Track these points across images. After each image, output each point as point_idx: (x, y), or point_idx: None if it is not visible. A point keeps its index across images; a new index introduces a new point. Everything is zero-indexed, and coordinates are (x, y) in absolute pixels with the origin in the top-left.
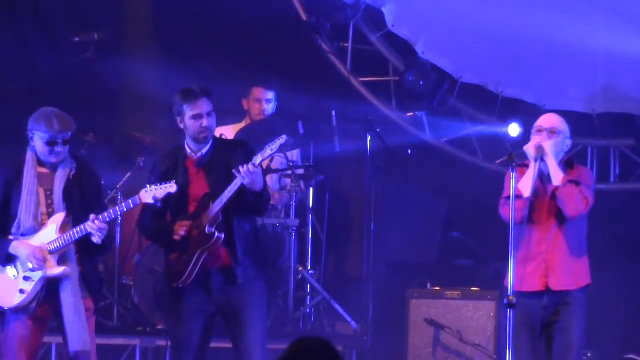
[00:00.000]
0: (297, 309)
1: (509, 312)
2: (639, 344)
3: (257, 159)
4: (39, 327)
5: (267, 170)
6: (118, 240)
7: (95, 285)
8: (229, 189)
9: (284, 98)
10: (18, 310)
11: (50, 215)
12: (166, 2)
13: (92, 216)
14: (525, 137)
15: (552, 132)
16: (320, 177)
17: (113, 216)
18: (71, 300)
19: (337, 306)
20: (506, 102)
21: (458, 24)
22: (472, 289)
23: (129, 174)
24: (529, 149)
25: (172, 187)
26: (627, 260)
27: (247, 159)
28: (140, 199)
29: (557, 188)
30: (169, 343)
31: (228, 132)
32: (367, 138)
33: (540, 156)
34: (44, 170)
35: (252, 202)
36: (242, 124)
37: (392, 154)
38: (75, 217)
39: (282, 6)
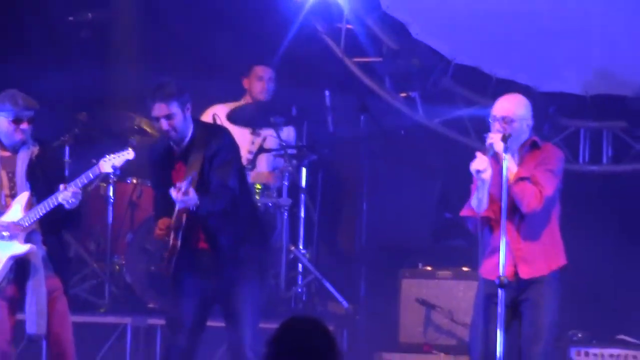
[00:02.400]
0: (288, 289)
1: (500, 293)
2: (630, 325)
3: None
4: (10, 307)
5: (260, 150)
6: (110, 219)
7: (62, 264)
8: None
9: (278, 78)
10: None
11: (13, 197)
12: None
13: (61, 186)
14: None
15: (506, 121)
16: (313, 157)
17: (80, 185)
18: (30, 283)
19: (328, 286)
20: (500, 84)
21: (452, 5)
22: (464, 269)
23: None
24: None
25: (129, 154)
26: (620, 241)
27: (218, 153)
28: (99, 169)
29: (510, 185)
30: (165, 322)
31: (222, 110)
32: (360, 119)
33: (492, 153)
34: (6, 154)
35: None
36: (241, 102)
37: (386, 134)
38: (39, 197)
39: None
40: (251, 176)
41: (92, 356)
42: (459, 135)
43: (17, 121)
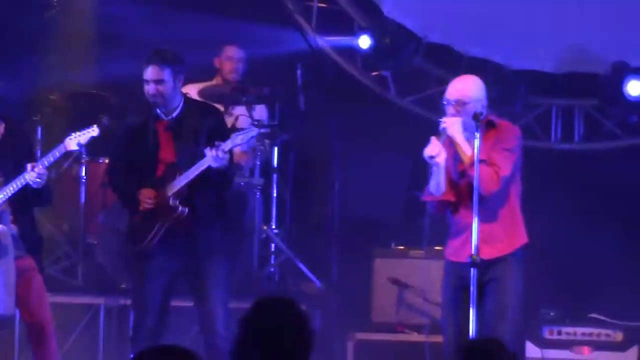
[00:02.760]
0: (261, 268)
1: (472, 271)
2: (603, 303)
3: (227, 145)
4: None
5: (232, 130)
6: (82, 199)
7: (34, 243)
8: (196, 166)
9: (249, 55)
10: None
11: None
12: None
13: (28, 166)
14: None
15: (459, 104)
16: (285, 137)
17: (46, 164)
18: (4, 263)
19: (301, 265)
20: (472, 62)
21: None
22: (436, 248)
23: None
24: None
25: (94, 131)
26: (591, 219)
27: (216, 131)
28: (65, 147)
29: (465, 169)
30: (130, 302)
31: (193, 90)
32: (333, 97)
33: (445, 138)
34: None
35: (216, 179)
36: (213, 82)
37: (357, 112)
38: (7, 176)
39: None
40: None
41: (66, 336)
42: (430, 113)
43: None
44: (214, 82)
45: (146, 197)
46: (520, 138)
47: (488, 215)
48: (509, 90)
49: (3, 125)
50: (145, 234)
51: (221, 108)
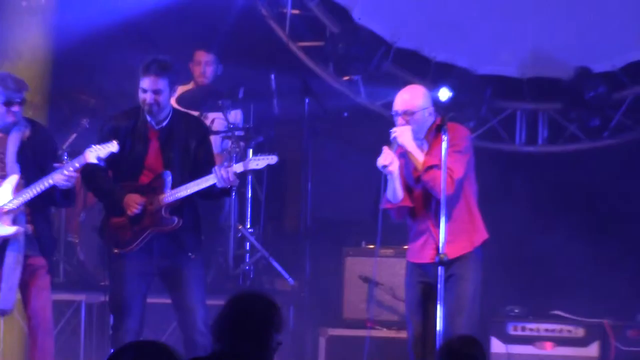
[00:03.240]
0: (236, 266)
1: (440, 269)
2: (566, 300)
3: (239, 168)
4: None
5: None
6: None
7: (47, 243)
8: (199, 182)
9: (225, 61)
10: None
11: (3, 178)
12: None
13: (56, 165)
14: (454, 101)
15: (407, 114)
16: (260, 139)
17: (72, 170)
18: (9, 261)
19: (275, 263)
20: (439, 67)
21: None
22: (404, 247)
23: (74, 135)
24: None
25: (113, 146)
26: (555, 219)
27: (202, 142)
28: (85, 158)
29: (420, 175)
30: (108, 302)
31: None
32: (305, 101)
33: (397, 147)
34: None
35: (216, 194)
36: (187, 86)
37: (329, 116)
38: (29, 179)
39: None
40: None
41: None
42: None
43: (8, 104)
44: (189, 85)
45: (134, 203)
46: (469, 138)
47: (447, 217)
48: (475, 95)
49: (29, 129)
50: (132, 239)
51: (197, 113)
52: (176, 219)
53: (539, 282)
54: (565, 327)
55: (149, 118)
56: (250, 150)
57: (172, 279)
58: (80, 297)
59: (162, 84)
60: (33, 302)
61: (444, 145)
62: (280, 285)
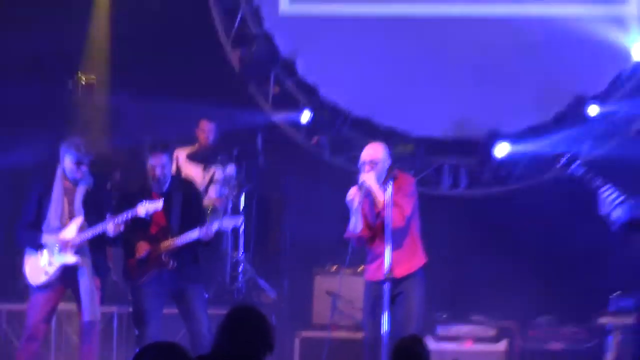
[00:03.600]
0: (232, 284)
1: (386, 285)
2: (482, 308)
3: (215, 227)
4: (55, 299)
5: (210, 182)
6: None
7: (102, 270)
8: (187, 235)
9: (222, 127)
10: (41, 286)
11: (71, 218)
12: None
13: (109, 217)
14: (398, 156)
15: (372, 163)
16: (250, 186)
17: (121, 221)
18: (87, 283)
19: (261, 281)
20: (385, 130)
21: (348, 72)
22: (361, 268)
23: (111, 183)
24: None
25: (159, 204)
26: (473, 246)
27: (195, 202)
28: (136, 212)
29: (380, 211)
30: (132, 318)
31: (182, 152)
32: (284, 156)
33: (365, 189)
34: (69, 185)
35: (202, 244)
36: (194, 147)
37: (302, 168)
38: (90, 221)
39: (220, 61)
40: (204, 201)
41: None
42: (356, 168)
43: (78, 163)
44: (196, 146)
45: (142, 249)
46: (415, 185)
47: (397, 244)
48: (413, 151)
49: (92, 182)
50: (140, 275)
51: (202, 166)
52: (171, 262)
53: (461, 295)
54: (481, 328)
55: (153, 185)
56: (243, 195)
57: (180, 299)
58: (113, 309)
59: (167, 159)
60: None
61: (389, 190)
62: (264, 299)
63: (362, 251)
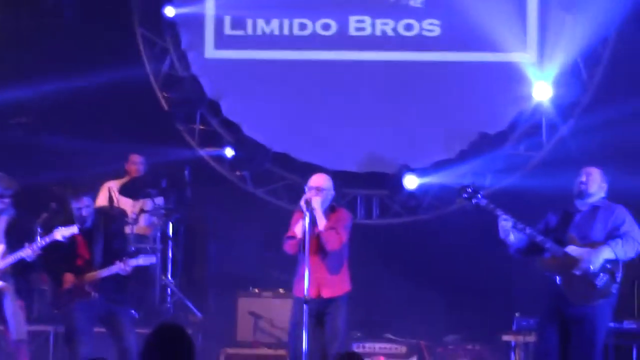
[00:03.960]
0: (161, 305)
1: (305, 307)
2: (393, 327)
3: (132, 263)
4: None
5: (141, 212)
6: None
7: (24, 292)
8: (108, 270)
9: (152, 161)
10: None
11: None
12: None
13: (27, 245)
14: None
15: (318, 189)
16: (177, 215)
17: (39, 246)
18: (10, 305)
19: (188, 303)
20: (303, 165)
21: (269, 111)
22: (280, 290)
23: (45, 214)
24: (302, 202)
25: (74, 229)
26: (385, 272)
27: (117, 234)
28: (54, 236)
29: (320, 232)
30: (65, 339)
31: (115, 184)
32: (209, 188)
33: (310, 208)
34: None
35: (121, 276)
36: (125, 179)
37: (227, 199)
38: (12, 249)
39: (152, 100)
40: (134, 229)
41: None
42: (275, 199)
43: (0, 197)
44: (126, 178)
45: (68, 281)
46: (351, 221)
47: (330, 266)
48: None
49: (13, 214)
50: (65, 303)
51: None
52: (93, 294)
53: (375, 315)
54: (393, 346)
55: (76, 222)
56: (171, 224)
57: (108, 322)
58: (49, 329)
59: (89, 200)
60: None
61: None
62: (192, 319)
63: (283, 273)
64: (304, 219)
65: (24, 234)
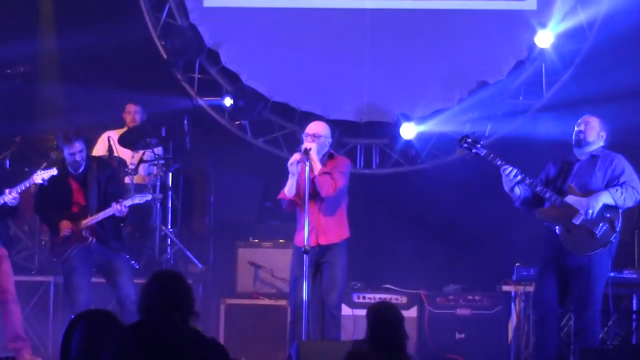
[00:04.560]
0: (161, 255)
1: (305, 257)
2: (394, 277)
3: (128, 202)
4: None
5: (140, 161)
6: None
7: (6, 240)
8: (104, 213)
9: (151, 111)
10: None
11: None
12: (73, 51)
13: (6, 190)
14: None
15: (314, 136)
16: (177, 165)
17: (19, 191)
18: None
19: (188, 253)
20: (302, 114)
21: (268, 61)
22: (280, 240)
23: (44, 164)
24: (300, 151)
25: (53, 171)
26: (386, 219)
27: (111, 179)
28: (33, 180)
29: (315, 177)
30: (65, 288)
31: (114, 134)
32: (209, 138)
33: (306, 155)
34: None
35: (117, 219)
36: (124, 129)
37: (225, 148)
38: None
39: (151, 49)
40: (134, 178)
41: (26, 304)
42: (275, 149)
43: None
44: (124, 128)
45: (64, 227)
46: (349, 167)
47: (327, 213)
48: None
49: None
50: (63, 251)
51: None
52: (90, 239)
53: (375, 265)
54: (393, 296)
55: (70, 169)
56: (170, 174)
57: (106, 271)
58: (50, 279)
59: (81, 145)
60: (2, 281)
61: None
62: (192, 269)
63: (283, 224)
64: (299, 164)
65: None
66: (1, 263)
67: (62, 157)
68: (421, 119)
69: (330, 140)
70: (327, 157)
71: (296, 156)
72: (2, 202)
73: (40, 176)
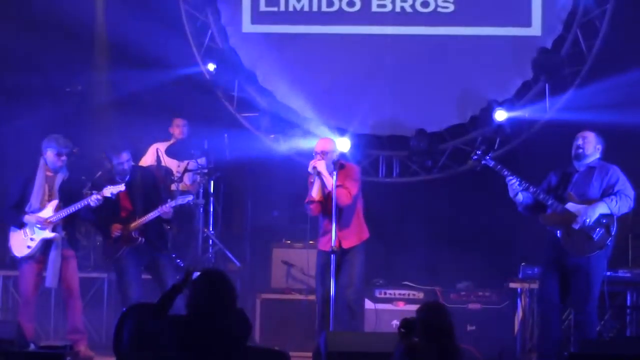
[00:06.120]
0: (203, 255)
1: (332, 257)
2: (412, 275)
3: (172, 204)
4: (39, 268)
5: (185, 170)
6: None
7: (74, 241)
8: (151, 214)
9: (196, 125)
10: (26, 258)
11: (49, 201)
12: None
13: (92, 192)
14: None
15: (322, 154)
16: (218, 174)
17: (100, 197)
18: (54, 255)
19: (228, 253)
20: (336, 130)
21: (299, 80)
22: (310, 242)
23: (99, 173)
24: (310, 168)
25: (122, 187)
26: (405, 223)
27: (153, 188)
28: (103, 194)
29: (330, 191)
30: (117, 285)
31: (162, 146)
32: (247, 151)
33: (317, 173)
34: (50, 174)
35: (163, 221)
36: (172, 141)
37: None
38: (64, 204)
39: (196, 72)
40: (180, 186)
41: (83, 298)
42: (305, 160)
43: (59, 155)
44: (172, 140)
45: (115, 230)
46: (360, 173)
47: (345, 220)
48: (355, 146)
49: (67, 173)
50: (115, 252)
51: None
52: (140, 239)
53: (395, 264)
54: (411, 292)
55: (118, 177)
56: (212, 182)
57: (153, 268)
58: (104, 276)
59: (128, 155)
60: (67, 279)
61: (334, 177)
62: (231, 267)
63: (313, 227)
64: (314, 182)
65: (73, 193)
66: (68, 262)
67: (111, 167)
68: (510, 105)
69: (338, 152)
70: (339, 167)
71: (312, 162)
72: (80, 206)
73: (110, 190)
